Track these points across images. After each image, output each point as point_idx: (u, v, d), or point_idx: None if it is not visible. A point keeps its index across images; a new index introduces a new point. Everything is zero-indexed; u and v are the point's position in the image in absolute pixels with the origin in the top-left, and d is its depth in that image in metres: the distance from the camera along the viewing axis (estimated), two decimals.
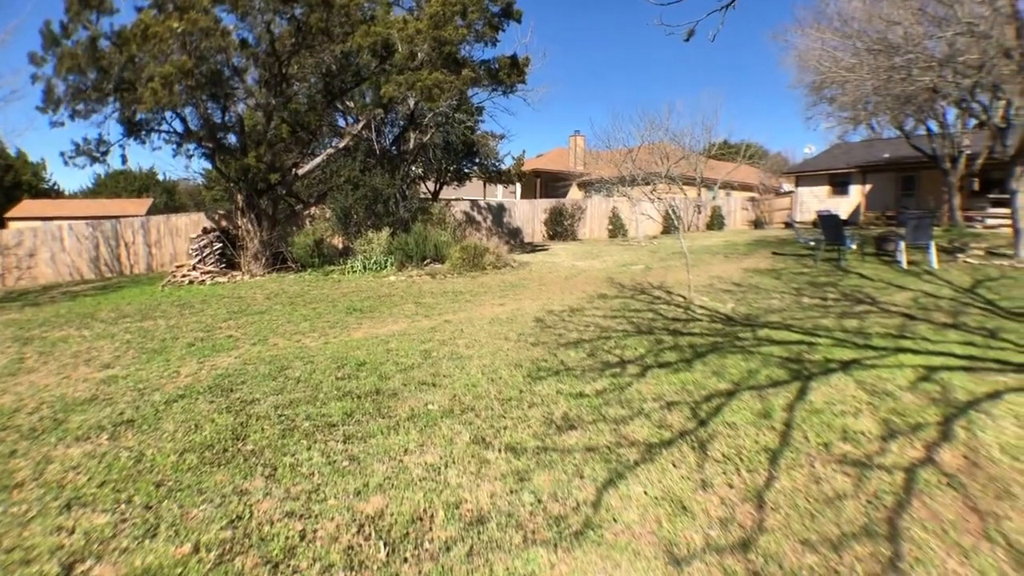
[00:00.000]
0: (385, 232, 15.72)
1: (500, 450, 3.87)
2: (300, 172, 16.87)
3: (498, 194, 34.65)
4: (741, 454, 3.71)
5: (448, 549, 2.78)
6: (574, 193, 35.25)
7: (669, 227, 27.45)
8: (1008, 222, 19.75)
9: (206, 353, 6.97)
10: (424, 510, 3.14)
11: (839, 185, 30.48)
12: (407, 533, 2.92)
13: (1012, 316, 7.37)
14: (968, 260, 12.27)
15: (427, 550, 2.77)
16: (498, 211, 24.72)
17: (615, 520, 3.00)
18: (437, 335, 7.36)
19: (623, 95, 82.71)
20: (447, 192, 24.14)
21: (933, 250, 12.05)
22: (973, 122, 21.02)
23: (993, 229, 19.51)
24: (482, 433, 4.16)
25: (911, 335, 6.55)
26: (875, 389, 4.80)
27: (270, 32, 14.59)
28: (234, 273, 15.36)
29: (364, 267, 14.86)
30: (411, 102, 17.09)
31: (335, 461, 3.77)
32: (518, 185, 30.30)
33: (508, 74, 17.01)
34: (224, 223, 17.31)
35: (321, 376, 5.73)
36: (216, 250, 16.06)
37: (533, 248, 21.28)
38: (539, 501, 3.20)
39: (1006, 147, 13.58)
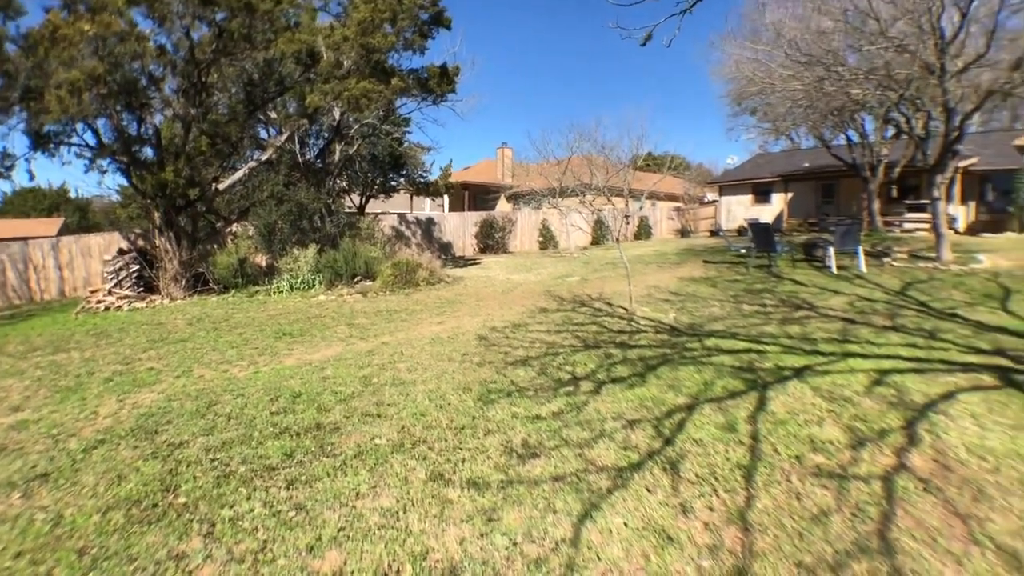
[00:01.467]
0: (312, 249, 15.25)
1: (461, 487, 3.65)
2: (221, 187, 16.19)
3: (425, 207, 34.38)
4: (715, 473, 3.65)
5: None
6: (503, 205, 35.39)
7: (599, 238, 27.89)
8: (924, 226, 21.29)
9: (126, 389, 6.44)
10: (388, 564, 2.88)
11: (762, 194, 31.89)
12: None
13: (945, 316, 7.77)
14: (894, 263, 12.97)
15: None
16: (427, 225, 24.48)
17: (599, 558, 2.85)
18: (376, 359, 7.07)
19: (552, 107, 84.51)
20: (373, 206, 23.74)
21: (861, 255, 12.67)
22: (891, 132, 22.45)
23: (911, 233, 20.87)
24: (439, 468, 3.93)
25: (855, 339, 6.77)
26: (833, 396, 4.89)
27: (189, 38, 13.96)
28: (153, 297, 14.53)
29: (291, 287, 14.34)
30: (337, 112, 16.76)
31: (280, 512, 3.47)
32: (446, 198, 30.14)
33: (438, 83, 16.89)
34: (141, 243, 16.42)
35: (254, 411, 5.36)
36: (133, 272, 15.15)
37: (465, 262, 21.12)
38: (514, 543, 3.01)
39: (926, 156, 14.53)
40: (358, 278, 14.86)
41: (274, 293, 14.03)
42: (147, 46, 13.23)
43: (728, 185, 33.74)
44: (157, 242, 15.16)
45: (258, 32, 13.98)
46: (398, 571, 2.83)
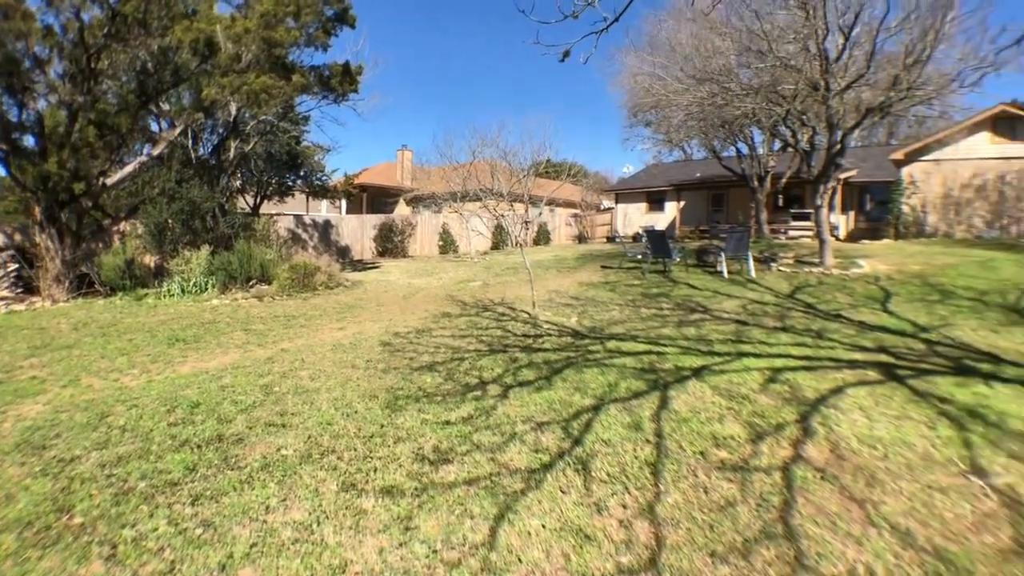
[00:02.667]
0: (205, 250, 14.54)
1: (375, 496, 3.59)
2: (109, 182, 15.13)
3: (322, 209, 33.44)
4: (625, 471, 3.76)
5: None
6: (402, 209, 35.07)
7: (499, 243, 28.15)
8: (808, 233, 22.95)
9: (8, 400, 5.84)
10: None
11: (656, 202, 33.42)
12: None
13: (831, 317, 8.38)
14: (781, 268, 13.86)
15: None
16: (325, 227, 23.83)
17: (520, 560, 2.88)
18: (276, 366, 6.82)
19: (455, 112, 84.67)
20: (268, 207, 22.88)
21: (751, 260, 13.47)
22: (778, 145, 24.09)
23: (796, 240, 22.42)
24: (350, 478, 3.84)
25: (748, 340, 7.18)
26: (731, 393, 5.16)
27: (80, 20, 12.97)
28: (33, 299, 13.42)
29: (183, 290, 13.60)
30: (234, 108, 16.09)
31: (186, 529, 3.31)
32: (344, 200, 29.45)
33: (340, 82, 16.51)
34: (19, 239, 15.01)
35: (150, 423, 5.03)
36: (11, 272, 14.00)
37: (364, 266, 20.72)
38: (433, 551, 2.99)
39: (811, 168, 15.66)
40: (253, 281, 14.33)
41: (165, 296, 13.31)
42: (34, 26, 12.26)
43: (624, 193, 35.06)
44: (38, 239, 14.04)
45: (154, 18, 13.22)
46: None
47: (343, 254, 23.81)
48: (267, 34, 13.37)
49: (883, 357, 6.20)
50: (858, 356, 6.24)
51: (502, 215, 26.06)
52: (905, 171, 22.43)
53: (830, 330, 7.57)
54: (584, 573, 2.76)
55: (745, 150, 24.60)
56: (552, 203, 33.60)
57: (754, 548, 2.89)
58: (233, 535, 3.23)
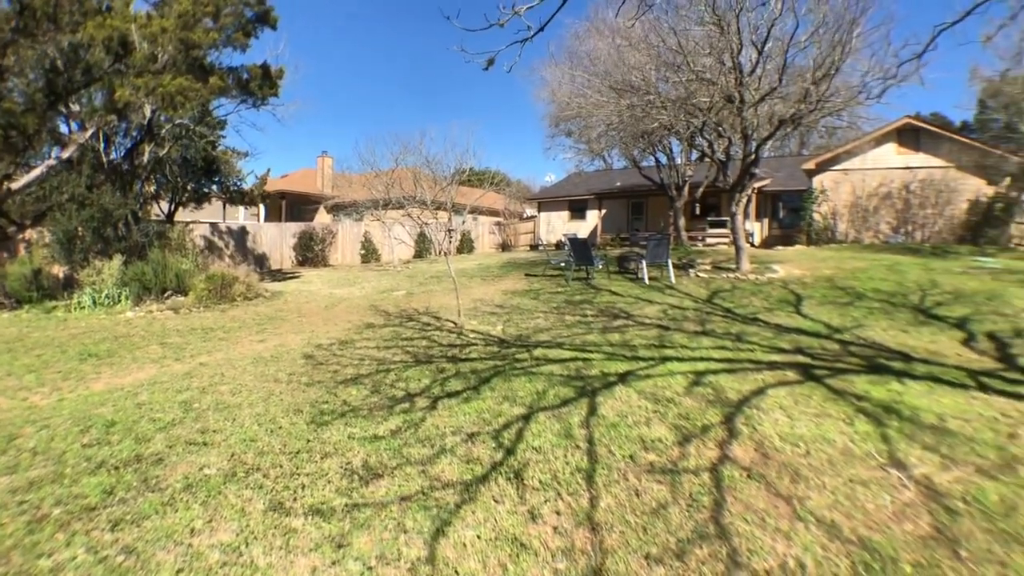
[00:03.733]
0: (117, 260, 13.88)
1: (305, 515, 3.49)
2: (14, 186, 14.25)
3: (240, 217, 32.34)
4: (557, 479, 3.78)
5: None
6: (322, 216, 34.36)
7: (421, 251, 27.96)
8: (724, 240, 23.85)
9: None
10: None
11: (577, 210, 34.06)
12: None
13: (748, 321, 8.71)
14: (700, 274, 14.34)
15: None
16: (242, 235, 23.04)
17: (457, 573, 2.84)
18: (195, 381, 6.58)
19: (378, 118, 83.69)
20: (184, 214, 22.00)
21: (671, 267, 13.87)
22: (695, 155, 24.96)
23: (712, 246, 23.31)
24: (278, 497, 3.72)
25: (671, 344, 7.37)
26: (657, 397, 5.27)
27: None
28: None
29: (94, 302, 12.91)
30: (148, 110, 15.43)
31: (107, 557, 3.15)
32: (262, 207, 28.55)
33: (260, 85, 16.05)
34: None
35: (63, 444, 4.76)
36: None
37: (283, 276, 20.15)
38: (369, 568, 2.92)
39: (727, 178, 16.28)
40: (169, 293, 13.74)
41: (75, 309, 12.62)
42: None
43: (547, 201, 35.56)
44: None
45: (65, 12, 12.52)
46: None
47: (261, 263, 23.15)
48: (184, 35, 12.93)
49: (800, 358, 6.48)
50: (777, 358, 6.51)
51: (425, 223, 25.85)
52: (816, 180, 23.68)
53: (749, 333, 7.87)
54: None
55: (664, 160, 25.45)
56: (476, 211, 33.70)
57: (688, 548, 2.95)
58: (157, 561, 3.11)
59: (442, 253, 27.99)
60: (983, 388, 5.32)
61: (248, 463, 4.28)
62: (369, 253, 27.06)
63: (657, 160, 25.84)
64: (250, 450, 4.53)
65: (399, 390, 5.91)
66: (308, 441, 4.65)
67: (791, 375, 5.81)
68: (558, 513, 3.35)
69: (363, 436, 4.69)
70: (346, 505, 3.57)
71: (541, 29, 4.31)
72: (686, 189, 25.36)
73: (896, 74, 8.09)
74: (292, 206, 34.54)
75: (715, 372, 6.01)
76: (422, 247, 28.36)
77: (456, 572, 2.85)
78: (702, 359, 6.57)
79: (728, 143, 16.20)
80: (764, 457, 3.97)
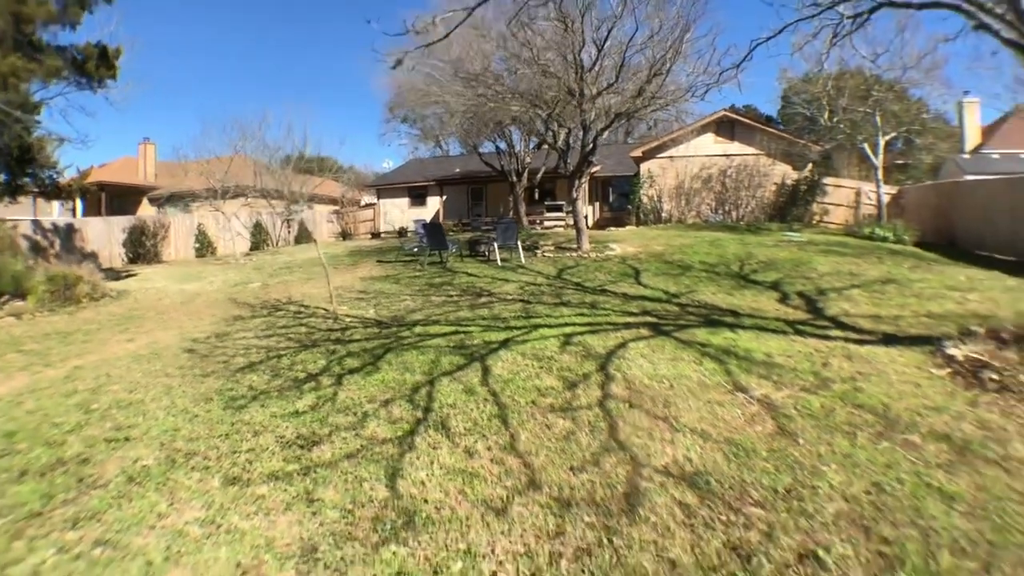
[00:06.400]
0: None
1: (265, 482, 3.78)
2: None
3: (54, 213, 29.17)
4: (478, 424, 4.43)
5: None
6: (145, 209, 31.91)
7: (258, 243, 26.95)
8: (560, 223, 25.45)
9: None
10: (242, 562, 2.98)
11: (418, 197, 34.40)
12: None
13: (598, 292, 9.80)
14: (546, 255, 15.46)
15: None
16: (68, 232, 20.97)
17: (427, 501, 3.40)
18: (80, 384, 6.31)
19: (215, 100, 78.20)
20: None
21: (520, 249, 14.86)
22: (535, 143, 26.26)
23: (551, 229, 24.84)
24: (230, 473, 3.95)
25: (536, 315, 8.22)
26: (538, 356, 6.07)
27: None
28: None
29: None
30: None
31: (82, 554, 3.19)
32: (80, 201, 26.01)
33: (97, 66, 14.70)
34: None
35: None
36: None
37: (118, 274, 18.61)
38: (348, 512, 3.36)
39: (567, 165, 17.54)
40: (6, 297, 12.40)
41: None
42: None
43: (386, 188, 35.52)
44: None
45: None
46: (264, 562, 2.96)
47: (90, 261, 21.38)
48: (17, 8, 11.74)
49: (649, 319, 7.58)
50: (629, 319, 7.56)
51: (259, 212, 25.21)
52: (644, 166, 25.88)
53: (601, 302, 8.92)
54: (485, 498, 3.38)
55: (505, 147, 26.54)
56: (313, 200, 33.00)
57: (600, 458, 3.76)
58: (139, 545, 3.22)
59: (275, 243, 27.33)
60: (799, 333, 6.68)
61: (182, 450, 4.40)
62: (204, 247, 25.59)
63: (498, 147, 26.91)
64: (177, 439, 4.62)
65: (299, 372, 6.18)
66: (232, 424, 4.83)
67: (644, 332, 6.85)
68: (489, 449, 4.01)
69: (284, 414, 4.96)
70: (300, 469, 3.92)
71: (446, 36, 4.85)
72: (525, 175, 26.68)
73: (719, 79, 9.42)
74: (112, 198, 31.71)
75: (581, 334, 6.90)
76: (259, 238, 27.30)
77: (425, 500, 3.42)
78: (567, 324, 7.46)
79: (568, 133, 17.45)
80: (638, 393, 4.88)
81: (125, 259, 22.93)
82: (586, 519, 3.11)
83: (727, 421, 4.30)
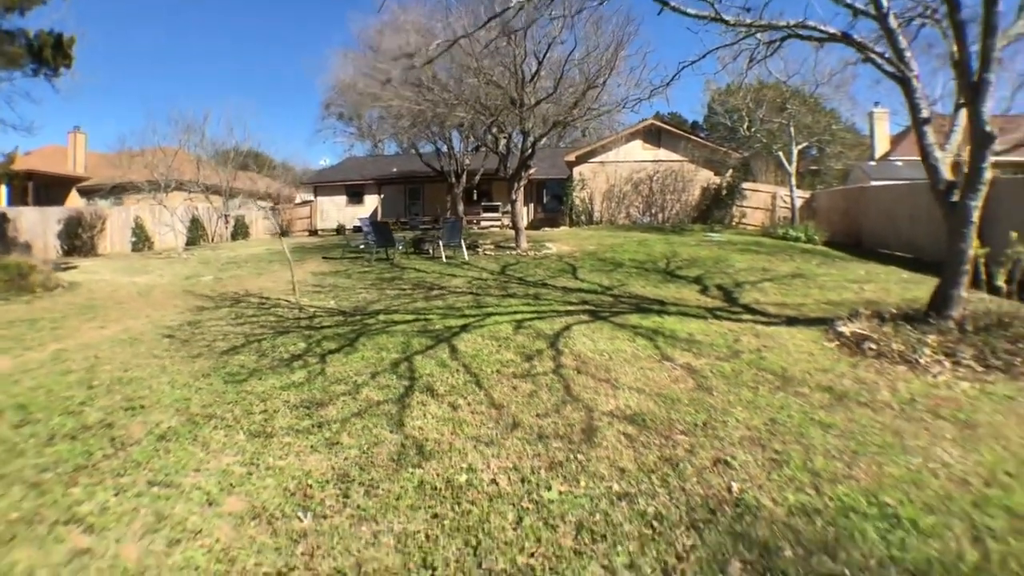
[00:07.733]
0: None
1: (287, 434, 4.46)
2: None
3: None
4: (456, 388, 5.36)
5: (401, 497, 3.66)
6: (73, 201, 31.00)
7: (195, 238, 26.77)
8: (497, 224, 26.49)
9: None
10: (289, 488, 3.73)
11: (355, 195, 34.83)
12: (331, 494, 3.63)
13: (540, 286, 10.84)
14: (487, 253, 16.44)
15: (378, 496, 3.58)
16: (1, 222, 20.58)
17: (430, 437, 4.36)
18: (72, 364, 6.66)
19: (155, 93, 75.99)
20: None
21: (464, 246, 15.78)
22: (473, 145, 27.16)
23: (487, 229, 25.91)
24: (252, 429, 4.58)
25: (487, 305, 9.17)
26: (496, 337, 7.02)
27: None
28: None
29: None
30: None
31: (141, 492, 3.68)
32: (4, 189, 25.19)
33: (53, 55, 14.65)
34: None
35: None
36: None
37: (57, 266, 18.36)
38: (365, 451, 4.17)
39: (507, 168, 18.55)
40: None
41: None
42: None
43: (323, 186, 35.75)
44: None
45: None
46: (308, 486, 3.70)
47: (24, 253, 20.98)
48: None
49: (587, 307, 8.67)
50: (571, 308, 8.61)
51: (196, 207, 25.18)
52: (576, 170, 27.26)
53: (543, 294, 9.95)
54: (477, 435, 4.32)
55: (444, 149, 27.39)
56: (250, 196, 32.91)
57: (560, 408, 4.76)
58: (191, 483, 3.73)
59: (211, 239, 27.26)
60: (716, 317, 7.90)
61: (199, 414, 4.89)
62: (141, 240, 25.22)
63: (438, 149, 27.72)
64: (191, 406, 5.08)
65: (284, 353, 6.81)
66: (238, 394, 5.37)
67: (585, 317, 7.91)
68: (469, 404, 4.94)
69: (282, 385, 5.59)
70: (313, 424, 4.65)
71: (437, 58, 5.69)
72: (464, 176, 27.59)
73: (651, 95, 10.59)
74: (39, 188, 30.71)
75: (530, 320, 7.90)
76: (195, 233, 27.10)
77: (427, 438, 4.31)
78: (516, 312, 8.44)
79: (509, 138, 18.50)
80: (584, 363, 5.91)
81: (60, 251, 22.53)
82: (555, 445, 4.09)
83: (657, 381, 5.38)
